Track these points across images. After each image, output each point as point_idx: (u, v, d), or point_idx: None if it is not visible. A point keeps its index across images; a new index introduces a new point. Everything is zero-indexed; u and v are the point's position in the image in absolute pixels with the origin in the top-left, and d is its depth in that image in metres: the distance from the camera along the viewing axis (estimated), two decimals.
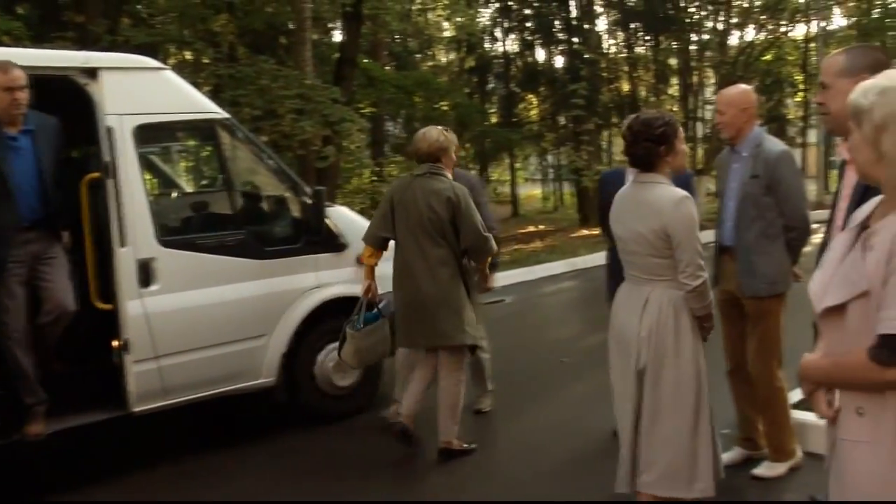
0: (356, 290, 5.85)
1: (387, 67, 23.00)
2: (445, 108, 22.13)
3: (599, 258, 6.34)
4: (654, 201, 3.74)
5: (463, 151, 28.33)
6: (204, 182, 9.86)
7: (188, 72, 13.02)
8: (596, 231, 5.80)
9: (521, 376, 7.28)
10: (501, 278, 12.61)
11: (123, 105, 5.19)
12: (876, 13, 25.45)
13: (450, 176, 5.33)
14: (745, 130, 4.64)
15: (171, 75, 5.69)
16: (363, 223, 6.09)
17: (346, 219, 6.31)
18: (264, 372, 5.82)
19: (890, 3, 25.37)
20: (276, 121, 11.18)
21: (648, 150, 3.77)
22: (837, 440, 2.14)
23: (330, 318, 6.03)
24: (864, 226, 2.17)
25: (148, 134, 5.54)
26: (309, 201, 5.98)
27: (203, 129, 6.13)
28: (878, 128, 2.03)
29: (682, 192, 3.76)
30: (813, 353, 2.31)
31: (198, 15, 12.71)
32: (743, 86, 4.88)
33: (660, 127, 3.76)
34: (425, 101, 20.99)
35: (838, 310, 2.09)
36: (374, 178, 20.98)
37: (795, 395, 5.13)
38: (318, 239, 6.02)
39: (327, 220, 6.08)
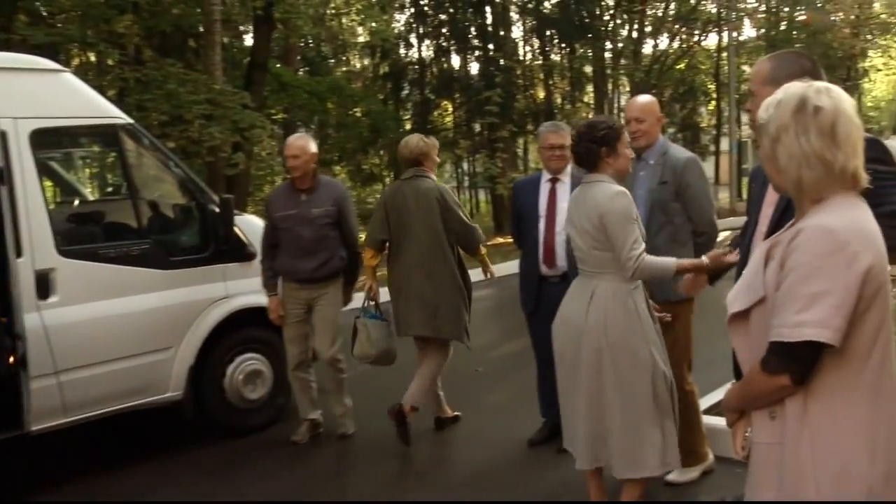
0: (266, 300, 5.86)
1: (300, 73, 22.85)
2: (359, 114, 22.06)
3: (514, 266, 6.37)
4: (594, 197, 3.96)
5: (377, 159, 28.34)
6: (107, 190, 9.61)
7: (92, 75, 12.73)
8: (510, 239, 5.86)
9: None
10: None
11: (18, 108, 5.02)
12: (783, 25, 26.44)
13: (434, 177, 5.96)
14: (654, 138, 4.76)
15: (70, 78, 5.54)
16: None
17: (256, 227, 6.22)
18: (171, 385, 5.69)
19: (796, 17, 26.38)
20: (183, 126, 10.98)
21: (589, 150, 4.00)
22: (752, 444, 2.22)
23: (239, 329, 5.95)
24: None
25: (46, 139, 5.36)
26: (216, 210, 5.89)
27: (106, 135, 5.96)
28: (773, 140, 2.11)
29: (619, 188, 3.95)
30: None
31: (101, 15, 12.35)
32: (651, 96, 5.02)
33: (602, 130, 3.99)
34: (339, 107, 20.88)
35: (743, 317, 2.18)
36: None
37: (709, 400, 5.31)
38: (226, 248, 5.93)
39: (236, 229, 6.00)
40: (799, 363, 2.03)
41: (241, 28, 20.01)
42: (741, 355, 2.25)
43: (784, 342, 2.01)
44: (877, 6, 25.54)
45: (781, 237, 2.15)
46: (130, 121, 5.81)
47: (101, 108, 5.62)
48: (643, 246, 3.90)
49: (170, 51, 14.77)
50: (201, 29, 14.36)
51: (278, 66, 18.49)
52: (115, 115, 5.68)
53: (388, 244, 5.87)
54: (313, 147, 5.79)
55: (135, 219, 5.72)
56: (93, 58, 14.68)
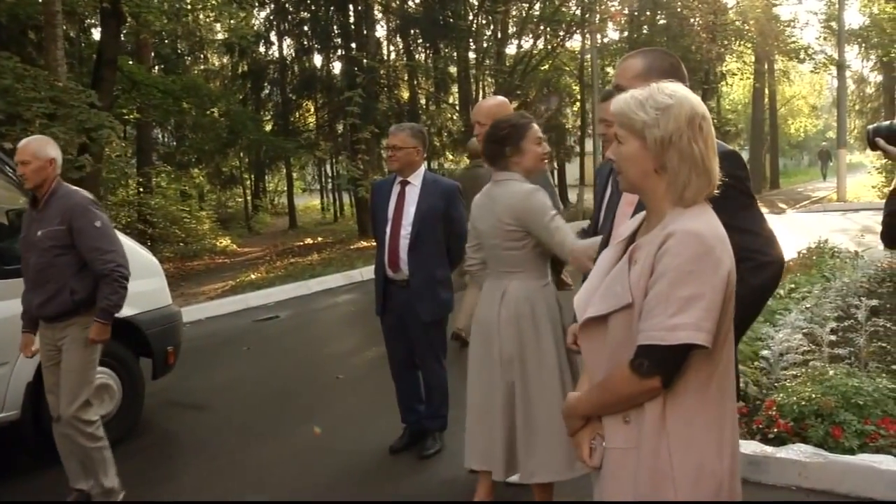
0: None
1: (154, 70, 22.21)
2: (217, 114, 21.61)
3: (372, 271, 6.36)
4: (507, 197, 4.01)
5: (236, 161, 27.86)
6: None
7: None
8: (374, 242, 5.86)
9: (294, 395, 7.24)
10: (274, 294, 12.66)
11: None
12: (645, 29, 27.38)
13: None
14: None
15: None
16: (120, 239, 5.82)
17: None
18: (7, 404, 5.44)
19: (658, 21, 27.35)
20: (23, 126, 10.45)
21: (493, 150, 4.09)
22: (606, 450, 2.24)
23: None
24: (632, 240, 2.29)
25: None
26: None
27: None
28: (662, 143, 2.14)
29: (529, 186, 4.01)
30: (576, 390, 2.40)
31: None
32: (501, 98, 5.12)
33: (504, 129, 4.06)
34: (196, 107, 20.41)
35: (600, 322, 2.20)
36: (141, 190, 20.26)
37: None
38: None
39: None
40: (671, 366, 2.10)
41: (89, 21, 19.28)
42: (592, 360, 2.28)
43: (659, 345, 2.06)
44: (731, 13, 26.74)
45: (643, 241, 2.19)
46: None
47: None
48: (570, 233, 3.95)
49: (6, 43, 14.07)
50: (42, 20, 13.72)
51: (130, 63, 17.87)
52: None
53: None
54: (51, 151, 4.73)
55: None
56: None
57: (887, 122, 3.43)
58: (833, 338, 6.23)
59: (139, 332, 6.18)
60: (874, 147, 3.39)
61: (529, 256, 4.04)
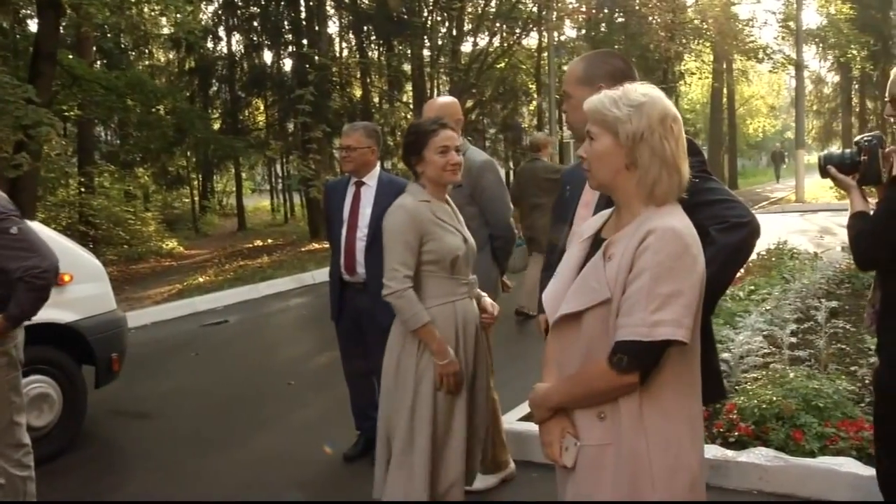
0: (55, 315, 5.58)
1: (97, 66, 21.90)
2: (163, 112, 21.36)
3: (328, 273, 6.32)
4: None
5: (183, 160, 27.57)
6: None
7: None
8: (326, 244, 5.85)
9: (245, 403, 7.18)
10: (223, 298, 12.55)
11: None
12: (603, 27, 27.59)
13: (545, 159, 9.81)
14: None
15: None
16: (60, 241, 5.74)
17: (44, 237, 5.87)
18: None
19: (616, 20, 27.58)
20: None
21: (404, 160, 3.96)
22: (581, 448, 2.28)
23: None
24: (598, 237, 2.37)
25: None
26: None
27: None
28: (633, 138, 2.22)
29: (402, 201, 3.81)
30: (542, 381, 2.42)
31: None
32: (451, 98, 5.15)
33: (409, 136, 3.91)
34: (142, 104, 20.15)
35: (573, 318, 2.27)
36: (83, 190, 19.97)
37: (520, 411, 5.54)
38: None
39: None
40: (650, 361, 2.17)
41: (25, 12, 18.94)
42: (563, 355, 2.33)
43: (640, 341, 2.13)
44: (690, 12, 27.02)
45: (617, 237, 2.25)
46: None
47: None
48: (403, 280, 3.72)
49: None
50: None
51: (70, 57, 17.56)
52: None
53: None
54: None
55: None
56: None
57: (839, 151, 3.50)
58: (793, 340, 6.30)
59: (81, 339, 6.07)
60: (825, 174, 3.45)
61: (418, 278, 3.79)
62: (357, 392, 5.61)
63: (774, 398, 5.00)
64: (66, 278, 5.80)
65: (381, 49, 26.47)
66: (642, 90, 2.28)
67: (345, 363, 5.59)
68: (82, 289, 5.91)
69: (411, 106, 25.51)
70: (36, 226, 6.17)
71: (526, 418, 5.35)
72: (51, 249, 4.24)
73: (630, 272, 2.17)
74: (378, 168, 5.46)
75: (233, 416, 6.81)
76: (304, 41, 23.20)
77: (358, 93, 26.69)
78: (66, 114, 19.53)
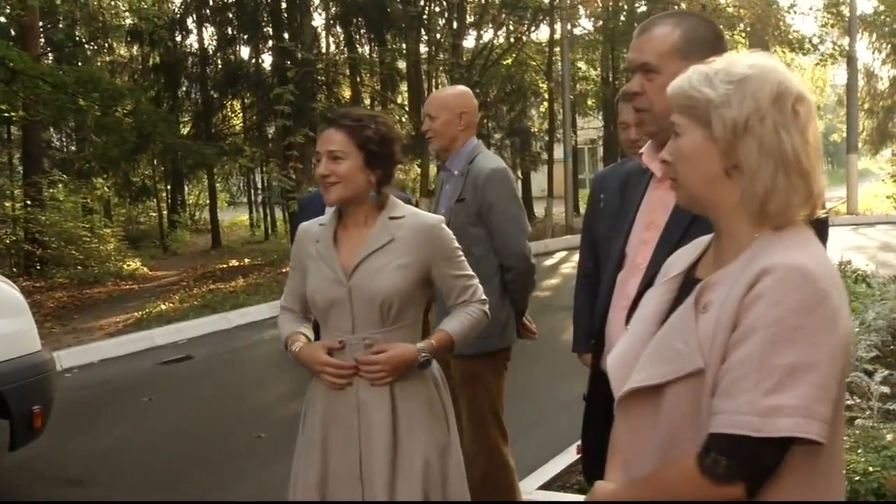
0: None
1: (48, 60, 21.46)
2: (123, 114, 20.87)
3: None
4: None
5: (149, 169, 27.24)
6: None
7: None
8: None
9: (203, 461, 6.78)
10: (186, 329, 12.08)
11: None
12: (623, 19, 27.20)
13: None
14: (459, 142, 4.45)
15: None
16: None
17: None
18: None
19: (638, 9, 27.18)
20: None
21: None
22: None
23: None
24: (690, 276, 1.95)
25: None
26: None
27: None
28: (735, 129, 1.76)
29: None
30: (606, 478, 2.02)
31: None
32: (461, 87, 4.77)
33: None
34: (98, 104, 19.68)
35: (650, 393, 1.84)
36: (28, 203, 19.44)
37: (542, 476, 5.23)
38: None
39: None
40: (762, 466, 1.69)
41: None
42: (633, 444, 1.91)
43: (747, 436, 1.64)
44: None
45: (716, 278, 1.81)
46: None
47: None
48: (281, 307, 3.54)
49: None
50: None
51: (9, 48, 17.00)
52: None
53: None
54: None
55: None
56: None
57: None
58: (885, 389, 5.73)
59: None
60: None
61: None
62: None
63: (871, 468, 4.42)
64: None
65: (372, 44, 26.25)
66: (750, 59, 1.82)
67: None
68: None
69: (406, 108, 25.21)
70: None
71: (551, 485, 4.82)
72: None
73: (734, 331, 1.70)
74: None
75: (185, 477, 6.40)
76: (286, 35, 22.89)
77: (346, 93, 26.44)
78: (5, 114, 19.00)
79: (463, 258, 3.30)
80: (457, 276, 3.26)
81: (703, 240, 2.01)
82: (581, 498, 2.04)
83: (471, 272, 3.32)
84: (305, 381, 4.48)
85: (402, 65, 25.68)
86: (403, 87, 27.15)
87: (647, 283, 2.18)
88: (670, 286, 1.99)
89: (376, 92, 27.74)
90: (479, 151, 4.48)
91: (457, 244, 3.29)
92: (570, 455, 5.48)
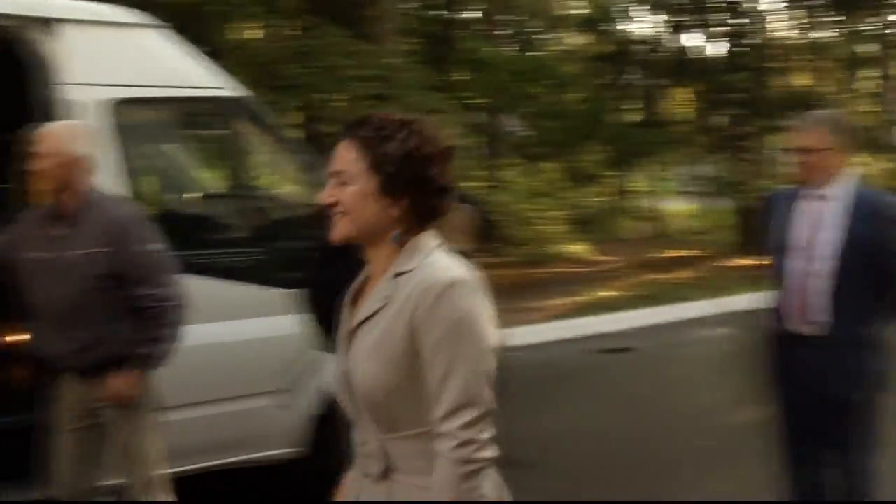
0: None
1: (506, 49, 22.43)
2: (573, 100, 21.36)
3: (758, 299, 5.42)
4: None
5: (594, 155, 27.67)
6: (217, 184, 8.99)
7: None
8: (757, 262, 5.11)
9: (636, 461, 6.71)
10: (627, 319, 12.04)
11: (94, 73, 4.70)
12: None
13: None
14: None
15: (166, 36, 5.23)
16: None
17: None
18: (283, 439, 5.37)
19: None
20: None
21: None
22: None
23: None
24: None
25: (133, 113, 5.02)
26: None
27: (208, 111, 5.65)
28: None
29: None
30: None
31: None
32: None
33: None
34: (548, 91, 20.25)
35: None
36: (491, 185, 20.41)
37: None
38: None
39: None
40: None
41: None
42: None
43: None
44: None
45: None
46: (244, 94, 5.46)
47: (206, 78, 5.26)
48: None
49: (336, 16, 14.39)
50: None
51: (476, 40, 17.90)
52: (223, 86, 5.31)
53: None
54: (77, 144, 4.00)
55: (244, 222, 5.49)
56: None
57: None
58: None
59: None
60: None
61: None
62: (802, 477, 4.67)
63: None
64: None
65: (836, 26, 24.64)
66: None
67: (789, 443, 4.68)
68: None
69: (872, 95, 23.49)
70: None
71: None
72: None
73: None
74: (846, 177, 4.50)
75: (616, 480, 6.33)
76: (733, 21, 22.23)
77: (803, 80, 25.03)
78: (467, 102, 20.02)
79: (476, 354, 2.12)
80: (439, 381, 2.11)
81: None
82: None
83: (475, 390, 2.10)
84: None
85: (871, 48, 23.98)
86: (865, 71, 25.34)
87: None
88: None
89: (841, 78, 26.01)
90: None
91: (477, 326, 2.12)
92: None
